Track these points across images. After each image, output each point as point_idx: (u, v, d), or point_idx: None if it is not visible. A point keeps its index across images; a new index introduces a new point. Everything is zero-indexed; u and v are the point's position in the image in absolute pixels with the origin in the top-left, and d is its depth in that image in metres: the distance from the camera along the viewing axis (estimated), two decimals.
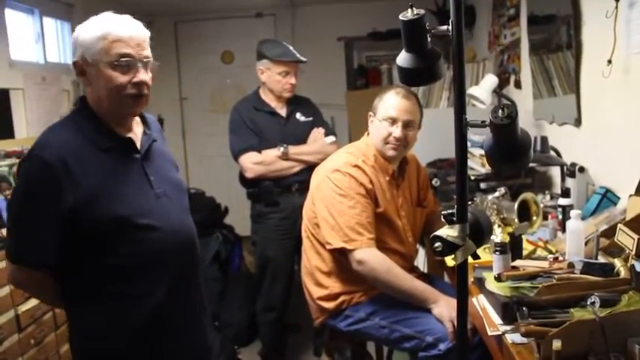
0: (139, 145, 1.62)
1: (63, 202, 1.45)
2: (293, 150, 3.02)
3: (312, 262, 2.33)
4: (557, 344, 1.26)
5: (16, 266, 1.55)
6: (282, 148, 3.00)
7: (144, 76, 1.53)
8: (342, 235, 2.15)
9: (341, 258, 2.22)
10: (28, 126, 3.42)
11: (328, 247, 2.20)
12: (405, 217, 2.34)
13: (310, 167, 2.67)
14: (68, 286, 1.57)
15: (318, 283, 2.30)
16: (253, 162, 3.00)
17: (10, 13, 3.43)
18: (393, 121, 2.23)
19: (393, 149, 2.26)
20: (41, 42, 3.81)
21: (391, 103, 2.24)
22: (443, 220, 1.25)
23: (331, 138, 3.12)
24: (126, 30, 1.50)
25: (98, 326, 1.56)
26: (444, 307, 2.07)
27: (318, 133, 3.13)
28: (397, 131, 2.23)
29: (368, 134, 2.36)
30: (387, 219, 2.26)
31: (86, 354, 1.61)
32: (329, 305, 2.27)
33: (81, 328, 1.60)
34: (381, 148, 2.28)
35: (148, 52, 1.54)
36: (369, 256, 2.13)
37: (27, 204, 1.49)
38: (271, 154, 3.01)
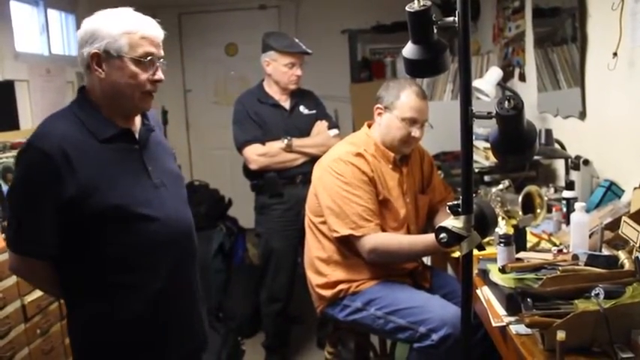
0: (137, 136, 1.64)
1: (62, 193, 1.46)
2: (297, 142, 3.03)
3: (313, 251, 2.35)
4: (561, 335, 1.27)
5: (18, 256, 1.56)
6: (285, 140, 3.01)
7: (162, 75, 1.58)
8: (348, 223, 2.17)
9: (342, 246, 2.25)
10: (33, 117, 3.43)
11: (335, 234, 2.22)
12: (410, 204, 2.35)
13: (313, 160, 2.67)
14: (69, 277, 1.59)
15: (317, 271, 2.32)
16: (257, 154, 3.01)
17: (15, 5, 3.43)
18: (414, 122, 2.25)
19: (409, 147, 2.32)
20: (46, 34, 3.81)
21: (412, 105, 2.25)
22: (448, 211, 1.26)
23: (334, 131, 3.13)
24: (151, 29, 1.55)
25: (98, 316, 1.58)
26: None
27: (321, 125, 3.14)
28: (418, 132, 2.28)
29: (369, 126, 2.37)
30: (387, 206, 2.27)
31: (86, 344, 1.63)
32: (327, 293, 2.29)
33: (81, 318, 1.62)
34: (397, 146, 2.30)
35: (162, 52, 1.59)
36: (379, 242, 2.16)
37: (27, 194, 1.50)
38: (275, 146, 3.01)
